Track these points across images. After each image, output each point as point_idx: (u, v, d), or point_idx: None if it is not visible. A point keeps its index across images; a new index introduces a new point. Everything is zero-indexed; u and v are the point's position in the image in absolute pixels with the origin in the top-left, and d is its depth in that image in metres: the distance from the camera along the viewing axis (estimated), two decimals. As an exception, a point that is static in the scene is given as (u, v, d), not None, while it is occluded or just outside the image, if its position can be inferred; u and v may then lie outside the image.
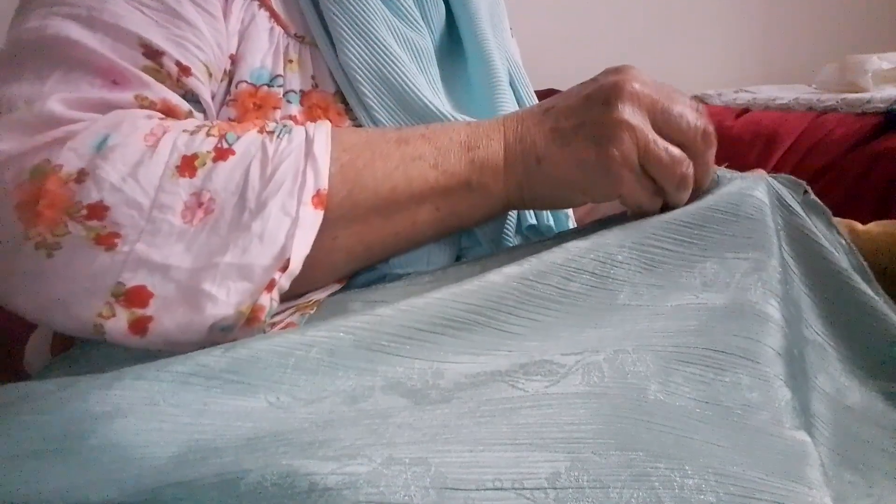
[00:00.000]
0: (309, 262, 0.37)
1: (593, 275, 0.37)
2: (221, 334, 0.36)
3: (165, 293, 0.35)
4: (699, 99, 1.64)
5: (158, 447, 0.26)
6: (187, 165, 0.36)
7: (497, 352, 0.33)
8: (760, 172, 0.49)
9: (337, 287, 0.43)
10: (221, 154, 0.37)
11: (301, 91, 0.46)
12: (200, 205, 0.36)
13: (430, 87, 0.49)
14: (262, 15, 0.46)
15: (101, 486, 0.25)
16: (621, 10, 1.74)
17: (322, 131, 0.39)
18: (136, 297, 0.35)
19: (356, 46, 0.46)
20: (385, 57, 0.46)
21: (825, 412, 0.39)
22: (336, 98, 0.46)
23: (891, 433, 0.40)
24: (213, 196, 0.36)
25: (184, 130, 0.38)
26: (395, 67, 0.47)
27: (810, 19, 1.88)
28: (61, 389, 0.28)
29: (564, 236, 0.44)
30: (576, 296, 0.36)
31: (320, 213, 0.37)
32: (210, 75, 0.43)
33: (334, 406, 0.29)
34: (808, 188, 0.48)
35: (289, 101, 0.45)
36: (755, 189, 0.42)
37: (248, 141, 0.38)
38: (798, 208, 0.45)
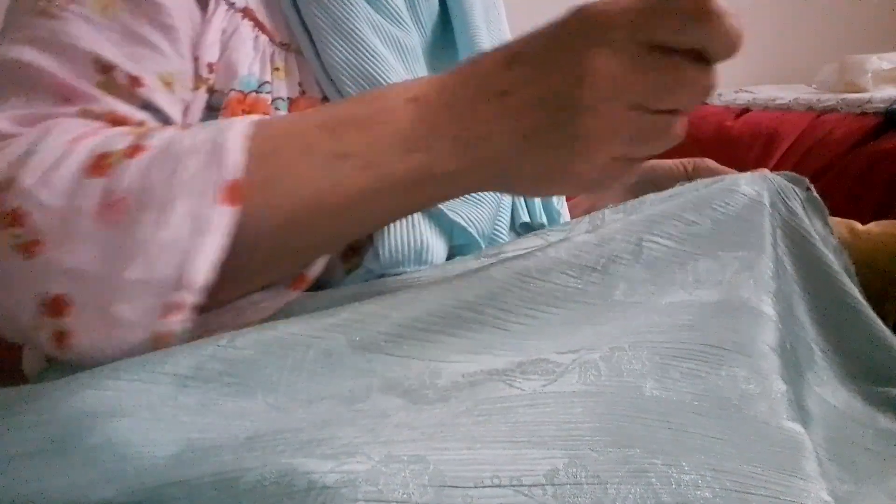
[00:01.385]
0: (234, 265, 0.35)
1: (594, 270, 0.36)
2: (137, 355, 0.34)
3: (83, 302, 0.33)
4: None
5: (157, 446, 0.26)
6: (99, 165, 0.35)
7: (494, 350, 0.33)
8: (764, 172, 0.47)
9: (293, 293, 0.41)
10: (133, 151, 0.35)
11: (289, 98, 0.45)
12: (111, 205, 0.34)
13: None
14: (246, 24, 0.45)
15: (101, 485, 0.25)
16: (621, 10, 1.74)
17: (241, 124, 0.37)
18: (57, 306, 0.34)
19: (339, 48, 0.45)
20: (368, 57, 0.45)
21: (814, 408, 0.40)
22: (322, 103, 0.46)
23: (873, 433, 0.40)
24: (123, 196, 0.34)
25: (112, 133, 0.37)
26: (379, 67, 0.45)
27: (810, 19, 1.87)
28: (58, 389, 0.28)
29: (568, 229, 0.42)
30: (575, 292, 0.36)
31: (231, 212, 0.34)
32: (168, 84, 0.42)
33: (332, 407, 0.29)
34: (811, 185, 0.48)
35: (277, 108, 0.45)
36: (750, 186, 0.42)
37: (162, 137, 0.36)
38: (798, 207, 0.45)
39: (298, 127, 0.38)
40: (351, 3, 0.46)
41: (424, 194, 0.38)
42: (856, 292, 0.46)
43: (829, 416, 0.40)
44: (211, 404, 0.28)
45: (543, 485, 0.25)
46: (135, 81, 0.40)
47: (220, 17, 0.44)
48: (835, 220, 1.25)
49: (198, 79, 0.43)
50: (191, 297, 0.33)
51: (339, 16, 0.46)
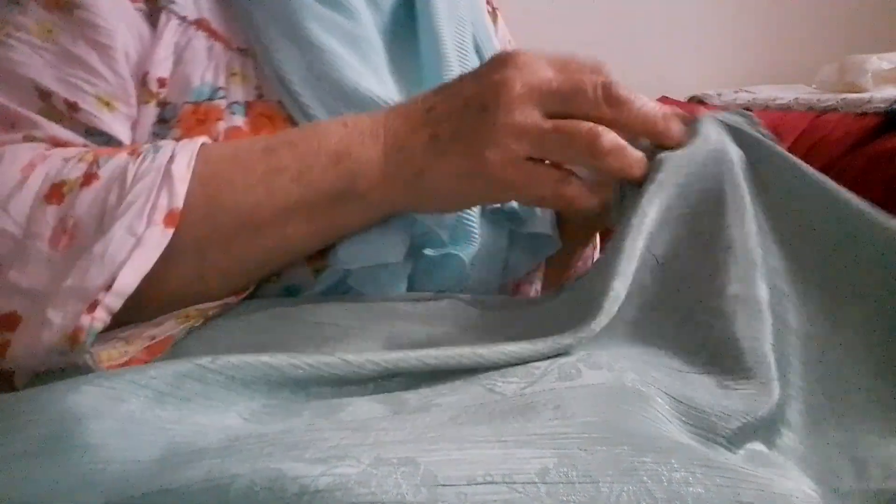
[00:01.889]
0: (175, 280, 0.39)
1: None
2: (60, 358, 0.37)
3: (28, 315, 0.36)
4: (699, 99, 1.64)
5: (139, 451, 0.26)
6: (55, 193, 0.38)
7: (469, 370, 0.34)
8: (713, 116, 0.43)
9: (233, 299, 0.42)
10: (87, 179, 0.38)
11: (245, 102, 0.46)
12: (65, 231, 0.37)
13: (373, 76, 0.47)
14: (200, 36, 0.46)
15: (85, 490, 0.25)
16: (621, 10, 1.74)
17: (188, 148, 0.39)
18: (10, 322, 0.37)
19: (286, 48, 0.45)
20: (316, 53, 0.45)
21: (797, 362, 0.37)
22: (280, 106, 0.46)
23: (868, 367, 0.36)
24: (77, 222, 0.37)
25: (63, 158, 0.39)
26: (328, 61, 0.45)
27: (810, 19, 1.87)
28: (42, 393, 0.28)
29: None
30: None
31: (169, 233, 0.37)
32: (107, 104, 0.43)
33: (313, 419, 0.30)
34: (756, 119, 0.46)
35: (233, 113, 0.45)
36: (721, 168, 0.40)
37: (113, 164, 0.39)
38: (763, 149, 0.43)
39: (241, 151, 0.41)
40: (294, 1, 0.46)
41: (349, 211, 0.41)
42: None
43: (813, 356, 0.37)
44: (188, 416, 0.29)
45: (536, 483, 0.25)
46: (72, 107, 0.43)
47: (171, 32, 0.45)
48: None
49: (147, 94, 0.44)
50: (113, 301, 0.36)
51: (284, 15, 0.46)
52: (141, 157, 0.39)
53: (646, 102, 0.39)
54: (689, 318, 0.37)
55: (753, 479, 0.28)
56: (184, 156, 0.39)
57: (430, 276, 0.46)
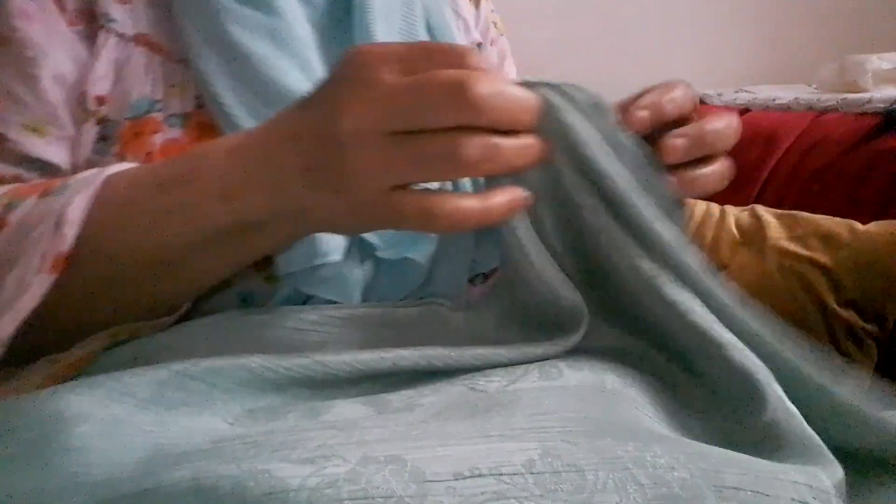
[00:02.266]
0: (72, 320, 0.39)
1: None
2: None
3: None
4: (699, 99, 1.63)
5: (124, 452, 0.26)
6: None
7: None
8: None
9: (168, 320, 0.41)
10: None
11: (184, 113, 0.46)
12: None
13: (301, 71, 0.46)
14: (139, 51, 0.46)
15: (71, 492, 0.25)
16: (621, 9, 1.74)
17: (86, 191, 0.38)
18: None
19: (208, 55, 0.45)
20: (238, 57, 0.45)
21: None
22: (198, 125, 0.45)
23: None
24: None
25: None
26: (251, 65, 0.44)
27: (810, 19, 1.87)
28: (27, 400, 0.28)
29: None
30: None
31: (51, 278, 0.36)
32: (37, 130, 0.44)
33: (297, 420, 0.30)
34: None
35: (171, 125, 0.45)
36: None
37: (21, 210, 0.39)
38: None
39: (138, 189, 0.40)
40: (214, 5, 0.45)
41: (250, 243, 0.39)
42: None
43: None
44: (172, 421, 0.29)
45: (523, 474, 0.25)
46: (1, 139, 0.43)
47: (110, 50, 0.46)
48: (835, 221, 1.25)
49: (85, 113, 0.45)
50: None
51: (207, 21, 0.45)
52: (46, 200, 0.39)
53: (509, 95, 0.32)
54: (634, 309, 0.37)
55: (736, 463, 0.28)
56: (81, 199, 0.38)
57: (390, 279, 0.45)
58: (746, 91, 1.61)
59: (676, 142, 0.39)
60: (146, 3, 0.47)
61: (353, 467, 0.24)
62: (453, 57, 0.33)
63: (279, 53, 0.46)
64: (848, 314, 1.06)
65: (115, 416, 0.27)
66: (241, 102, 0.44)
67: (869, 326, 1.06)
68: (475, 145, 0.32)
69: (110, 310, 0.40)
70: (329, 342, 0.39)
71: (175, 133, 0.45)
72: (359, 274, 0.44)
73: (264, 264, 0.43)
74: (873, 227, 1.12)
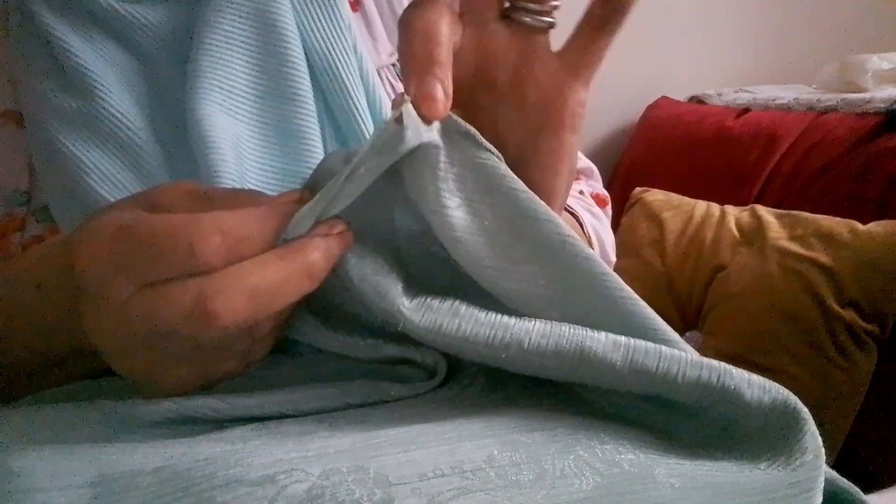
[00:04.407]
0: None
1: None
2: None
3: None
4: (699, 99, 1.63)
5: (67, 477, 0.25)
6: None
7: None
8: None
9: None
10: None
11: (47, 205, 0.41)
12: None
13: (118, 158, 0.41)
14: (9, 129, 0.42)
15: None
16: (621, 10, 1.73)
17: None
18: None
19: (42, 163, 0.41)
20: (59, 162, 0.40)
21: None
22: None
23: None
24: None
25: None
26: (70, 171, 0.39)
27: (810, 19, 1.87)
28: None
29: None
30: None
31: None
32: None
33: (244, 432, 0.29)
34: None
35: (38, 221, 0.42)
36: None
37: None
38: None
39: None
40: (36, 92, 0.40)
41: (85, 364, 0.35)
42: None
43: None
44: (115, 439, 0.28)
45: (485, 468, 0.26)
46: None
47: None
48: (835, 221, 1.25)
49: None
50: None
51: (29, 110, 0.41)
52: None
53: (262, 291, 0.28)
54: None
55: (683, 438, 0.30)
56: None
57: None
58: (746, 91, 1.61)
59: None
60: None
61: (316, 481, 0.24)
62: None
63: (94, 134, 0.40)
64: (848, 314, 1.06)
65: (54, 437, 0.27)
66: (66, 211, 0.41)
67: (869, 326, 1.06)
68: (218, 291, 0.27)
69: None
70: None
71: (38, 229, 0.42)
72: None
73: None
74: (874, 226, 1.13)
